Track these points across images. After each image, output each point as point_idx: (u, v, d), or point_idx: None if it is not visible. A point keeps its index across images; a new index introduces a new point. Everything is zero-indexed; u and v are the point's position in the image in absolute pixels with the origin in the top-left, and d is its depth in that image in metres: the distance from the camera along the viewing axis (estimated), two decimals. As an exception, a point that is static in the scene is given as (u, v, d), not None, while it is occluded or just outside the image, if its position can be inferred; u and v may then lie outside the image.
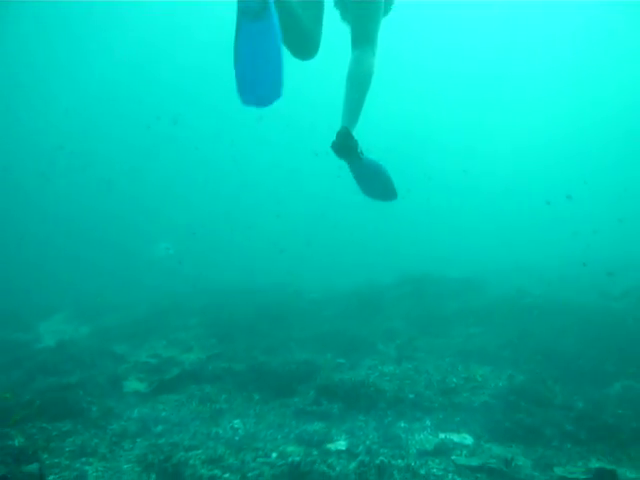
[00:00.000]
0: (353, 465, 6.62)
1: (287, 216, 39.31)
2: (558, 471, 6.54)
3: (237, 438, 7.81)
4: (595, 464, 6.76)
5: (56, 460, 6.88)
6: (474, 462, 6.78)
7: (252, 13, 3.22)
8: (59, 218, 41.40)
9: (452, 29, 47.06)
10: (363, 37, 4.48)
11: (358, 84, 4.28)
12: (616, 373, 10.20)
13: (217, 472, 6.53)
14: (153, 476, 6.29)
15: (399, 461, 6.75)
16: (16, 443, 7.05)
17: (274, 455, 7.05)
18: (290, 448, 7.31)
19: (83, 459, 6.98)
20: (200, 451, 7.29)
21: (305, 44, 4.61)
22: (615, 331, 11.85)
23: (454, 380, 9.88)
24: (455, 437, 7.71)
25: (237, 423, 8.37)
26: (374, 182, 4.72)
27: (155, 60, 49.84)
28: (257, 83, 3.51)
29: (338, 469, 6.45)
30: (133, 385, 10.15)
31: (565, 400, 8.87)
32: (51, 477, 6.22)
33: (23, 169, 44.23)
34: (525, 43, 47.36)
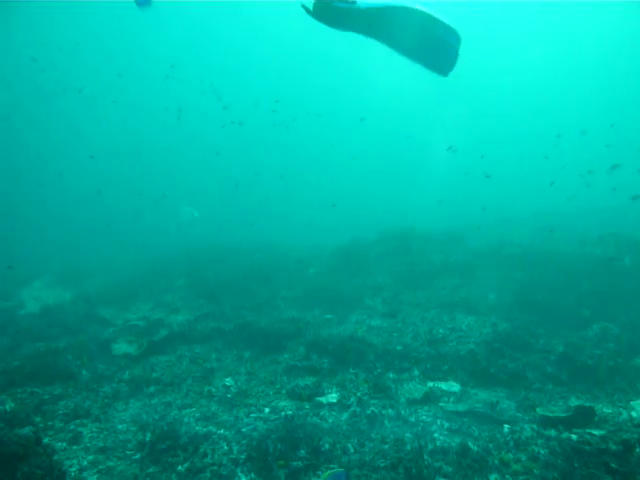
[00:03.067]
0: (345, 416, 6.81)
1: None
2: (540, 411, 6.82)
3: (229, 395, 7.93)
4: (575, 402, 7.09)
5: (50, 423, 6.93)
6: (461, 407, 7.02)
7: None
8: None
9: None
10: None
11: None
12: (593, 316, 10.55)
13: (212, 428, 6.65)
14: (149, 434, 6.37)
15: (389, 410, 6.95)
16: (7, 407, 7.06)
17: (267, 410, 7.19)
18: (282, 403, 7.46)
19: (77, 421, 7.04)
20: (194, 409, 7.41)
21: None
22: (592, 276, 12.17)
23: (440, 331, 10.10)
24: (443, 385, 7.94)
25: (229, 381, 8.48)
26: (400, 30, 4.01)
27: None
28: None
29: (330, 420, 6.62)
30: (122, 348, 10.16)
31: (546, 344, 9.18)
32: (46, 439, 6.27)
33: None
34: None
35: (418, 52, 4.13)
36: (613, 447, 5.58)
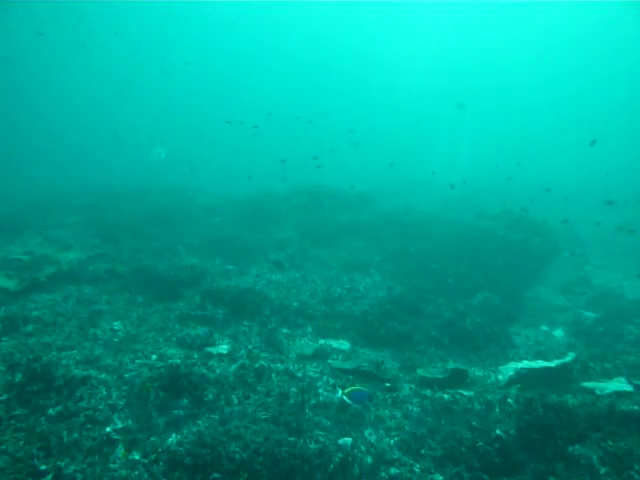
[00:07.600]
0: (233, 368, 6.78)
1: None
2: (420, 371, 7.28)
3: (116, 340, 7.60)
4: (452, 365, 7.63)
5: None
6: (348, 365, 7.28)
7: None
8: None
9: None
10: None
11: None
12: (480, 285, 11.35)
13: (92, 372, 6.34)
14: (19, 375, 5.93)
15: (278, 365, 7.04)
16: None
17: (154, 357, 6.99)
18: (171, 351, 7.28)
19: None
20: (75, 351, 7.01)
21: None
22: (484, 247, 13.04)
23: (338, 290, 10.33)
24: (334, 343, 8.18)
25: (117, 325, 8.12)
26: None
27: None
28: None
29: (218, 371, 6.57)
30: (0, 282, 9.32)
31: (435, 309, 9.74)
32: None
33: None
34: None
35: None
36: (477, 407, 6.11)
